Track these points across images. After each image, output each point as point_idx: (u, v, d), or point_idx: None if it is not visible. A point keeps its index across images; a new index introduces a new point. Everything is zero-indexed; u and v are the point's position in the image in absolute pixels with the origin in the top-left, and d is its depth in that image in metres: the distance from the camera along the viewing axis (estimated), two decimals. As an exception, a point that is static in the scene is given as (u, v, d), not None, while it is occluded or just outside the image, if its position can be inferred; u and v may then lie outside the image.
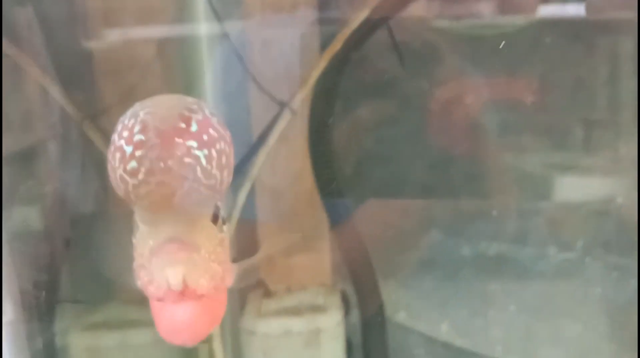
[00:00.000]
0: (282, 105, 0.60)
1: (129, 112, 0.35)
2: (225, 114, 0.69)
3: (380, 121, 0.74)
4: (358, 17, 0.60)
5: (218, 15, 0.64)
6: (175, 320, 0.37)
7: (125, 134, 0.34)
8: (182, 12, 0.68)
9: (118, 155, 0.34)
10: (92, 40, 0.66)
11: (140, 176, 0.33)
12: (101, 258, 0.64)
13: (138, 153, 0.33)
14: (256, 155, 0.59)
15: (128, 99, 0.64)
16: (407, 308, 0.75)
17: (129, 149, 0.33)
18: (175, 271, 0.34)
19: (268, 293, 0.65)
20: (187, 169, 0.33)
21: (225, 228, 0.38)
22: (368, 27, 0.62)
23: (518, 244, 0.75)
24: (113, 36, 0.65)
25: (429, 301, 0.76)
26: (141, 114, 0.34)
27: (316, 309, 0.63)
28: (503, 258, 0.76)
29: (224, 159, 0.35)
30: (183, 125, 0.33)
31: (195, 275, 0.35)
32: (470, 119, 0.74)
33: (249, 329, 0.62)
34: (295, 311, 0.62)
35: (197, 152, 0.33)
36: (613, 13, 0.66)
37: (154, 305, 0.38)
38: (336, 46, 0.60)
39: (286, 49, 0.67)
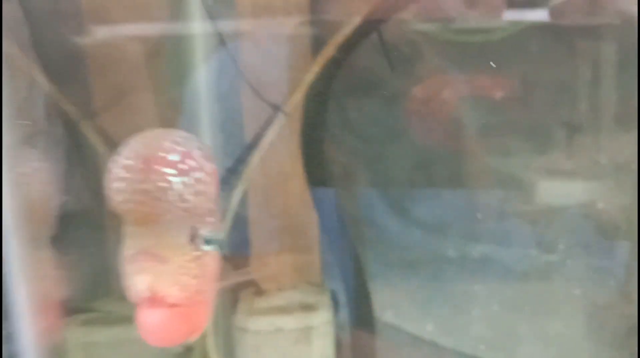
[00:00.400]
0: (276, 108, 0.62)
1: (128, 141, 0.41)
2: (218, 114, 0.70)
3: (368, 122, 0.75)
4: (350, 23, 0.62)
5: (211, 15, 0.65)
6: (147, 323, 0.42)
7: (119, 158, 0.40)
8: (176, 11, 0.69)
9: (110, 176, 0.40)
10: (85, 38, 0.66)
11: (125, 195, 0.39)
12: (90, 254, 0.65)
13: (124, 175, 0.40)
14: (250, 157, 0.60)
15: (123, 99, 0.65)
16: (393, 307, 0.76)
17: (118, 171, 0.40)
18: (141, 278, 0.40)
19: (259, 292, 0.66)
20: (162, 193, 0.39)
21: (209, 247, 0.42)
22: (360, 33, 0.63)
23: (502, 246, 0.77)
24: (106, 34, 0.66)
25: (415, 300, 0.77)
26: (134, 143, 0.41)
27: (306, 308, 0.64)
28: (487, 259, 0.77)
29: (200, 187, 0.41)
30: (164, 154, 0.40)
31: (163, 284, 0.40)
32: (455, 121, 0.75)
33: (241, 327, 0.63)
34: (286, 310, 0.63)
35: (173, 179, 0.40)
36: (576, 18, 0.68)
37: (137, 310, 0.42)
38: (329, 50, 0.62)
39: (277, 51, 0.68)
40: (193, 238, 0.42)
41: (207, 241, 0.42)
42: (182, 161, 0.40)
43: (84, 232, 0.68)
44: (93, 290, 0.68)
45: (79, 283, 0.66)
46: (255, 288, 0.66)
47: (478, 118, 0.75)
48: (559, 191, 0.76)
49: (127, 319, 0.64)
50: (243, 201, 0.64)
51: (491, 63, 0.69)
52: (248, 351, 0.62)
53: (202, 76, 0.71)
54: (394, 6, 0.66)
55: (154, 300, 0.40)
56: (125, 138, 0.65)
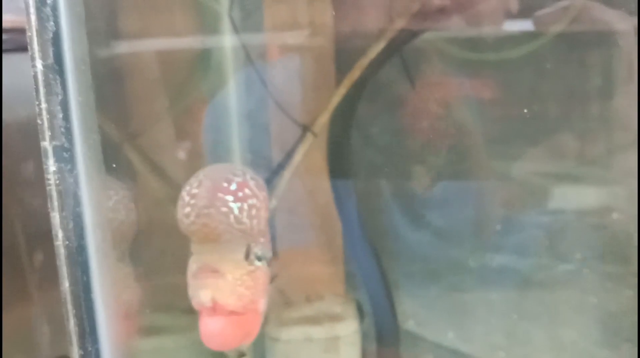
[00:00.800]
0: (305, 129, 0.64)
1: (197, 173, 0.50)
2: (246, 133, 0.72)
3: (389, 137, 0.77)
4: (375, 47, 0.64)
5: (238, 32, 0.68)
6: (208, 330, 0.47)
7: (188, 188, 0.48)
8: (206, 28, 0.71)
9: (180, 202, 0.48)
10: (122, 54, 0.69)
11: (192, 218, 0.47)
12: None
13: (192, 202, 0.47)
14: (280, 176, 0.63)
15: (162, 118, 0.67)
16: (415, 316, 0.78)
17: (187, 199, 0.48)
18: (204, 292, 0.46)
19: (289, 303, 0.68)
20: (223, 216, 0.47)
21: (259, 263, 0.49)
22: (384, 55, 0.66)
23: (519, 255, 0.79)
24: (141, 49, 0.68)
25: (436, 310, 0.79)
26: (201, 175, 0.49)
27: (334, 318, 0.66)
28: (505, 268, 0.79)
29: (254, 212, 0.48)
30: (225, 184, 0.48)
31: (223, 296, 0.46)
32: (473, 134, 0.77)
33: (272, 336, 0.65)
34: (315, 320, 0.66)
35: (232, 204, 0.47)
36: (559, 26, 0.70)
37: (200, 317, 0.48)
38: (355, 73, 0.64)
39: (301, 67, 0.71)
40: (248, 255, 0.48)
41: (259, 258, 0.49)
42: (239, 190, 0.48)
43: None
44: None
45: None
46: (284, 299, 0.69)
47: (495, 130, 0.77)
48: (576, 199, 0.77)
49: (165, 330, 0.66)
50: (271, 218, 0.66)
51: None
52: (279, 359, 0.65)
53: (232, 95, 0.73)
54: (418, 28, 0.68)
55: (215, 309, 0.46)
56: (163, 157, 0.68)
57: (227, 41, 0.70)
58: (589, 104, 0.75)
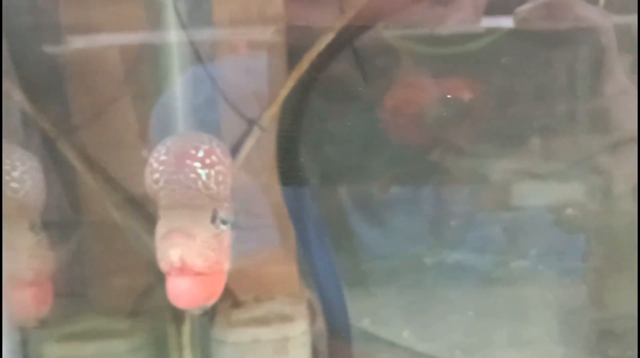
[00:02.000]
0: (252, 122, 0.62)
1: (164, 140, 0.52)
2: (194, 127, 0.70)
3: (345, 132, 0.76)
4: (325, 39, 0.63)
5: (184, 24, 0.66)
6: (177, 289, 0.50)
7: (156, 155, 0.50)
8: (152, 22, 0.69)
9: (149, 169, 0.50)
10: (62, 49, 0.67)
11: (161, 184, 0.49)
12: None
13: (160, 168, 0.50)
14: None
15: (102, 114, 0.65)
16: (370, 315, 0.77)
17: (155, 165, 0.50)
18: (174, 252, 0.48)
19: (237, 304, 0.67)
20: (191, 182, 0.49)
21: (225, 227, 0.51)
22: (334, 47, 0.64)
23: (476, 252, 0.78)
24: (83, 44, 0.66)
25: (391, 308, 0.78)
26: (168, 142, 0.51)
27: (284, 318, 0.65)
28: (462, 266, 0.79)
29: (220, 178, 0.51)
30: (193, 151, 0.50)
31: (191, 257, 0.48)
32: (430, 129, 0.77)
33: (219, 339, 0.63)
34: (264, 321, 0.64)
35: (200, 171, 0.50)
36: (540, 24, 0.70)
37: (167, 278, 0.50)
38: (304, 65, 0.63)
39: (253, 62, 0.69)
40: (214, 219, 0.51)
41: (224, 222, 0.52)
42: (207, 157, 0.50)
43: (64, 245, 0.68)
44: (72, 304, 0.68)
45: (57, 296, 0.66)
46: (233, 300, 0.67)
47: (453, 125, 0.76)
48: (531, 194, 0.77)
49: (107, 334, 0.65)
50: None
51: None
52: (226, 362, 0.63)
53: (179, 88, 0.71)
54: (368, 20, 0.67)
55: (183, 270, 0.48)
56: (104, 153, 0.66)
57: (173, 35, 0.68)
58: (556, 102, 0.74)
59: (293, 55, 0.67)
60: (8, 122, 0.62)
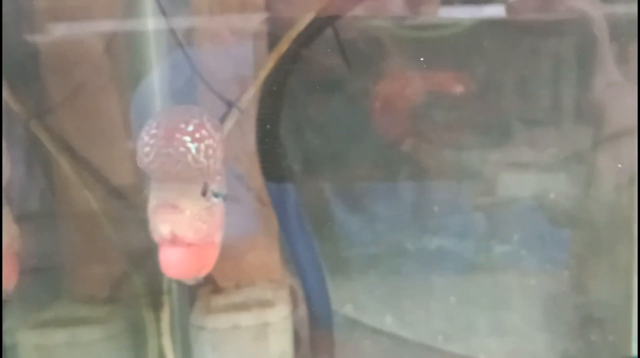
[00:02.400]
0: (230, 104, 0.61)
1: (155, 114, 0.52)
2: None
3: (327, 118, 0.76)
4: (304, 19, 0.62)
5: (164, 11, 0.65)
6: (168, 259, 0.51)
7: (147, 128, 0.50)
8: (129, 7, 0.68)
9: (140, 142, 0.50)
10: (38, 35, 0.66)
11: (151, 157, 0.49)
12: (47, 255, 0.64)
13: (151, 142, 0.49)
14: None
15: (76, 98, 0.64)
16: (353, 301, 0.77)
17: (146, 138, 0.49)
18: (165, 224, 0.50)
19: (217, 290, 0.66)
20: (181, 155, 0.49)
21: (216, 200, 0.52)
22: (313, 29, 0.63)
23: (457, 238, 0.78)
24: (59, 31, 0.66)
25: (374, 293, 0.78)
26: (159, 116, 0.51)
27: (264, 304, 0.64)
28: (443, 251, 0.78)
29: (210, 152, 0.50)
30: (183, 125, 0.50)
31: (182, 229, 0.50)
32: (412, 116, 0.76)
33: (198, 325, 0.62)
34: (243, 307, 0.64)
35: (190, 144, 0.49)
36: (532, 14, 0.70)
37: (160, 249, 0.51)
38: (283, 46, 0.62)
39: (234, 48, 0.68)
40: (205, 192, 0.51)
41: (215, 195, 0.52)
42: (196, 131, 0.50)
43: (42, 231, 0.68)
44: (49, 291, 0.67)
45: (35, 283, 0.65)
46: (213, 286, 0.66)
47: (435, 113, 0.76)
48: (514, 182, 0.77)
49: (83, 321, 0.64)
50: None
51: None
52: (205, 349, 0.62)
53: (157, 74, 0.70)
54: (347, 2, 0.66)
55: (174, 241, 0.50)
56: (80, 137, 0.65)
57: (151, 21, 0.67)
58: (543, 92, 0.74)
59: (273, 41, 0.66)
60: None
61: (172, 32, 0.66)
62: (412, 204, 0.79)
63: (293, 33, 0.61)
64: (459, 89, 0.74)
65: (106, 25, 0.67)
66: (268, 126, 0.66)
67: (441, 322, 0.78)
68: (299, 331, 0.68)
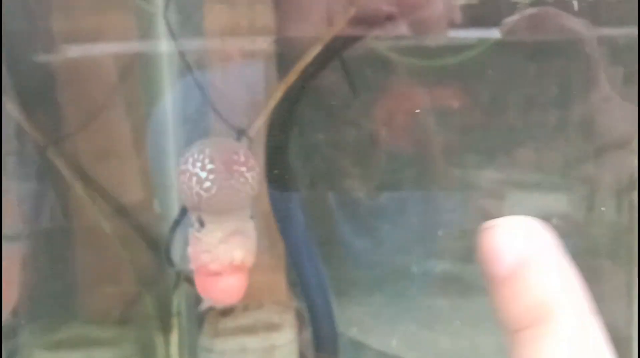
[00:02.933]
0: (240, 132, 0.63)
1: (194, 149, 0.52)
2: (185, 137, 0.71)
3: (333, 144, 0.77)
4: (312, 51, 0.63)
5: (174, 34, 0.67)
6: (231, 286, 0.53)
7: (199, 164, 0.51)
8: (144, 32, 0.70)
9: (195, 179, 0.51)
10: (54, 58, 0.67)
11: (213, 191, 0.50)
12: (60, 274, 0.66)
13: (211, 177, 0.50)
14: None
15: (92, 123, 0.66)
16: (358, 324, 0.77)
17: (203, 174, 0.50)
18: (238, 252, 0.52)
19: (225, 312, 0.67)
20: (242, 186, 0.51)
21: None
22: (322, 59, 0.65)
23: (462, 262, 0.79)
24: (75, 53, 0.67)
25: (380, 317, 0.78)
26: (207, 150, 0.52)
27: (271, 327, 0.65)
28: (448, 275, 0.79)
29: (258, 178, 0.53)
30: (236, 157, 0.52)
31: (249, 254, 0.53)
32: (419, 140, 0.77)
33: (206, 347, 0.64)
34: (251, 329, 0.65)
35: (247, 174, 0.52)
36: (526, 35, 0.71)
37: (204, 280, 0.53)
38: (292, 77, 0.63)
39: (244, 73, 0.70)
40: (253, 216, 0.54)
41: (252, 217, 0.55)
42: (247, 160, 0.53)
43: (54, 252, 0.69)
44: (61, 312, 0.69)
45: (46, 303, 0.66)
46: (221, 309, 0.67)
47: (442, 135, 0.77)
48: (520, 206, 0.77)
49: (95, 342, 0.65)
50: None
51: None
52: (213, 371, 0.63)
53: (169, 98, 0.71)
54: (357, 32, 0.67)
55: (237, 268, 0.52)
56: (93, 159, 0.66)
57: (164, 45, 0.69)
58: (546, 113, 0.75)
59: (282, 64, 0.68)
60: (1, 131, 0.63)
61: (181, 55, 0.68)
62: (417, 227, 0.79)
63: (301, 65, 0.62)
64: (456, 104, 0.75)
65: (120, 47, 0.69)
66: (276, 152, 0.68)
67: (446, 345, 0.78)
68: (305, 353, 0.69)
